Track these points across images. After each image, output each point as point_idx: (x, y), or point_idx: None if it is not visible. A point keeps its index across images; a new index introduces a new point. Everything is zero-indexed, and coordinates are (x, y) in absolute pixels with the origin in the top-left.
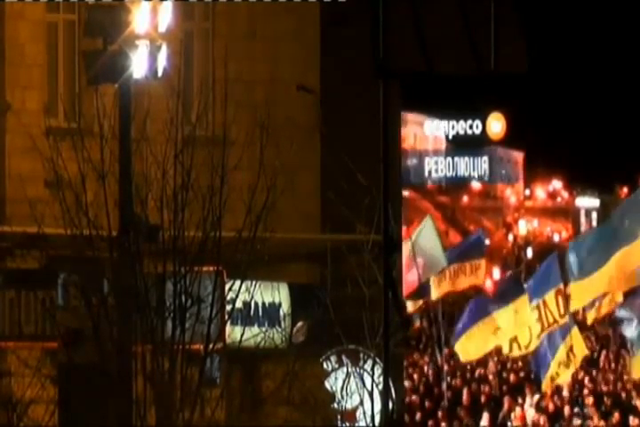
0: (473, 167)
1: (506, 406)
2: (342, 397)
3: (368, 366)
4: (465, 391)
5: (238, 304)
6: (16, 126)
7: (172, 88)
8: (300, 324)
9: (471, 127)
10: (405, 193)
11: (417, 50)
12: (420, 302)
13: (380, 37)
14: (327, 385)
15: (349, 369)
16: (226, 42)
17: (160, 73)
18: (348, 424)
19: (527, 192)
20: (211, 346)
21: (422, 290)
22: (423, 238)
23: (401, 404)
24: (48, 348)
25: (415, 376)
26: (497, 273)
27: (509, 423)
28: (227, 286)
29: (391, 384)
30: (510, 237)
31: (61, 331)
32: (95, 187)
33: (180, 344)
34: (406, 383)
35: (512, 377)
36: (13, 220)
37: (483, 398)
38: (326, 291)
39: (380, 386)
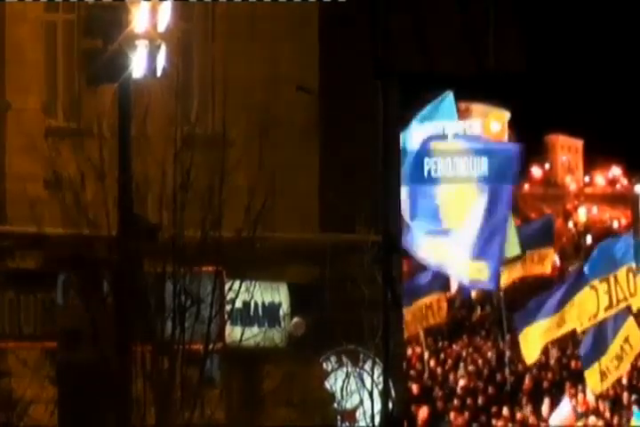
0: (472, 167)
1: (567, 392)
2: (342, 397)
3: (368, 366)
4: (527, 377)
5: (238, 304)
6: (15, 126)
7: (171, 88)
8: (297, 319)
9: (470, 127)
10: None
11: (416, 50)
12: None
13: (380, 37)
14: (327, 385)
15: (349, 369)
16: (225, 42)
17: (159, 73)
18: (347, 424)
19: (587, 179)
20: (210, 346)
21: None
22: None
23: (401, 404)
24: (47, 348)
25: (480, 362)
26: (557, 261)
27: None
28: (226, 286)
29: (391, 384)
30: (570, 225)
31: (61, 331)
32: (94, 187)
33: (180, 344)
34: (470, 368)
35: (573, 363)
36: (13, 220)
37: (545, 384)
38: (326, 291)
39: (380, 386)
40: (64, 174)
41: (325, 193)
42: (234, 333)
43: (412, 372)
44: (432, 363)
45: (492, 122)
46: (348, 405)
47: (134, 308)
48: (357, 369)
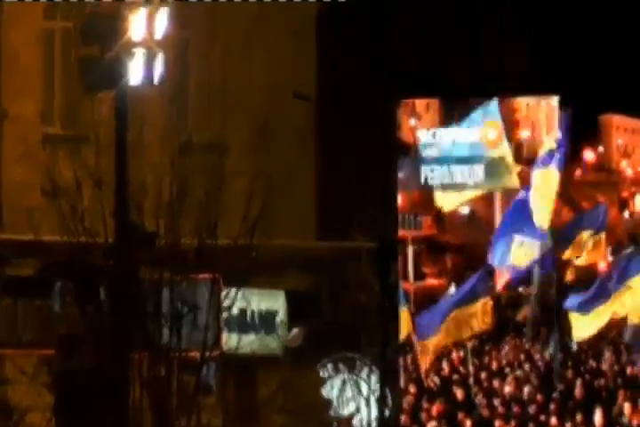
0: (469, 175)
1: (620, 400)
2: (339, 404)
3: (364, 373)
4: (578, 384)
5: (234, 311)
6: (12, 134)
7: (168, 95)
8: (295, 330)
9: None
10: (517, 168)
11: (417, 53)
12: (531, 288)
13: (382, 40)
14: (323, 393)
15: (346, 377)
16: (222, 49)
17: (156, 80)
18: None
19: None
20: (207, 353)
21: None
22: None
23: (397, 411)
24: (45, 355)
25: (526, 366)
26: (609, 253)
27: (624, 419)
28: (223, 294)
29: (387, 392)
30: (626, 214)
31: (58, 338)
32: (91, 194)
33: (177, 351)
34: (518, 373)
35: (629, 370)
36: (10, 227)
37: (603, 393)
38: (323, 298)
39: (377, 393)
40: (61, 182)
41: (322, 200)
42: (230, 340)
43: (455, 377)
44: (476, 368)
45: (489, 130)
46: (345, 412)
47: (131, 315)
48: (354, 376)
